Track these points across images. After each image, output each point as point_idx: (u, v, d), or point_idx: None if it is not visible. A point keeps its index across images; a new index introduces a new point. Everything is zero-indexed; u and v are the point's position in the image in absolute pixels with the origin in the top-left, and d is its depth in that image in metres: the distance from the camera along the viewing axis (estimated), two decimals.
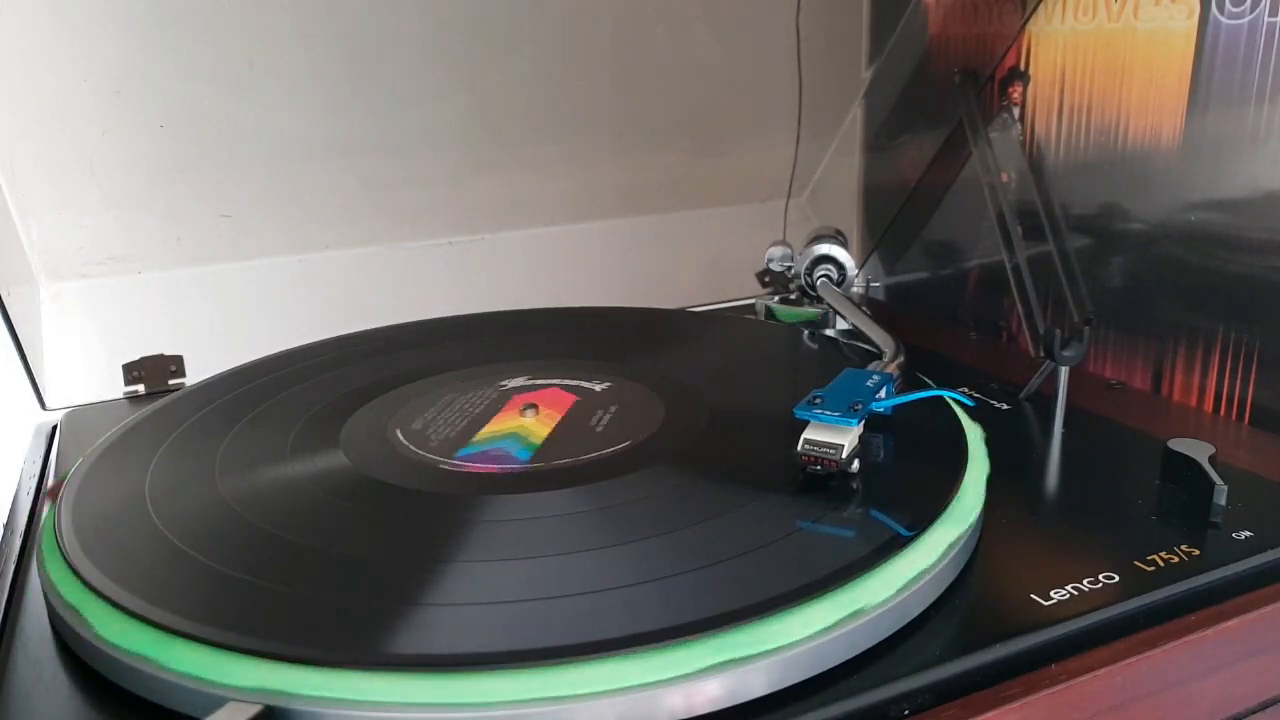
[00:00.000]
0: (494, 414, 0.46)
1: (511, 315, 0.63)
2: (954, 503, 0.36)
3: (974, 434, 0.42)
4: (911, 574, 0.32)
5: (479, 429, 0.44)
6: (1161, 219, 0.53)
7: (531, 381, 0.50)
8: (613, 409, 0.46)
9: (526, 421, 0.45)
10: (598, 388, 0.49)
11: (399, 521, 0.37)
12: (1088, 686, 0.30)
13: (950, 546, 0.33)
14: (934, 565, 0.32)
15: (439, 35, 0.64)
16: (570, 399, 0.48)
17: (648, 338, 0.58)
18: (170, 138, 0.59)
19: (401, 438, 0.44)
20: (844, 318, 0.59)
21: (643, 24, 0.70)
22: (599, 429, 0.44)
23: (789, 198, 0.79)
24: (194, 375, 0.58)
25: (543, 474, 0.40)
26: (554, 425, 0.44)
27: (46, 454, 0.52)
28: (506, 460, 0.41)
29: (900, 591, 0.31)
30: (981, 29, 0.63)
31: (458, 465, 0.41)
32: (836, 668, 0.29)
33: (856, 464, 0.38)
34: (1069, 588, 0.33)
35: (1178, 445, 0.40)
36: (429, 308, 0.63)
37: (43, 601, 0.34)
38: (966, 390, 0.51)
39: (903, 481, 0.39)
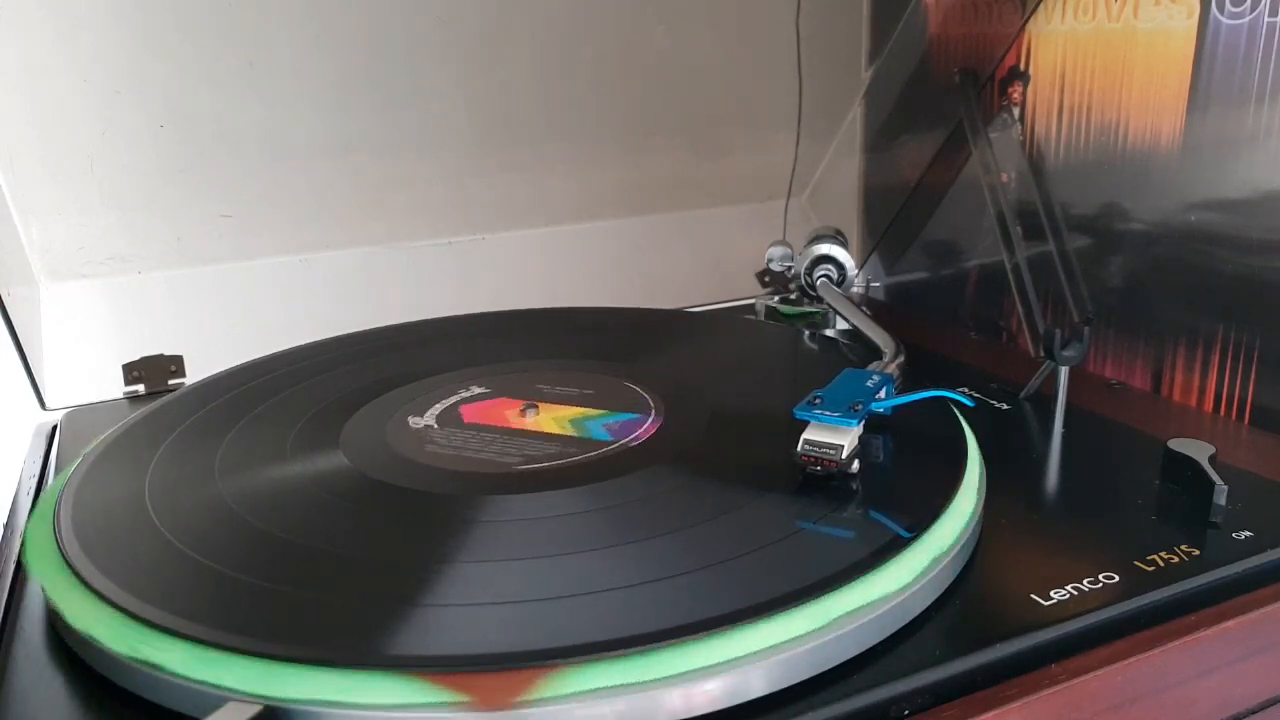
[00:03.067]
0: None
1: (512, 315, 0.63)
2: (953, 503, 0.36)
3: (972, 436, 0.42)
4: (911, 574, 0.32)
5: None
6: (1161, 219, 0.53)
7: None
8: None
9: (527, 421, 0.45)
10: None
11: (399, 521, 0.37)
12: (1088, 686, 0.30)
13: (949, 547, 0.33)
14: (933, 566, 0.32)
15: (439, 35, 0.64)
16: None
17: (648, 338, 0.58)
18: (170, 138, 0.59)
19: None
20: (844, 318, 0.59)
21: (643, 24, 0.70)
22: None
23: (789, 198, 0.79)
24: (194, 375, 0.58)
25: (543, 474, 0.40)
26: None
27: (46, 454, 0.52)
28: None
29: (900, 591, 0.31)
30: (981, 29, 0.63)
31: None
32: (836, 668, 0.29)
33: (856, 464, 0.38)
34: (1069, 588, 0.33)
35: (1178, 445, 0.40)
36: (429, 308, 0.63)
37: (42, 601, 0.34)
38: (966, 390, 0.51)
39: (902, 482, 0.39)
